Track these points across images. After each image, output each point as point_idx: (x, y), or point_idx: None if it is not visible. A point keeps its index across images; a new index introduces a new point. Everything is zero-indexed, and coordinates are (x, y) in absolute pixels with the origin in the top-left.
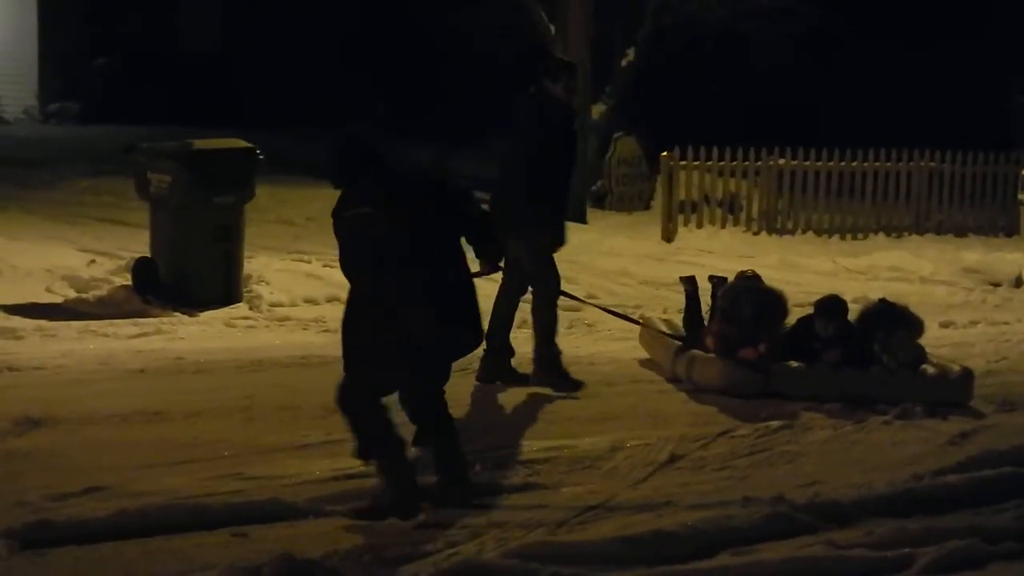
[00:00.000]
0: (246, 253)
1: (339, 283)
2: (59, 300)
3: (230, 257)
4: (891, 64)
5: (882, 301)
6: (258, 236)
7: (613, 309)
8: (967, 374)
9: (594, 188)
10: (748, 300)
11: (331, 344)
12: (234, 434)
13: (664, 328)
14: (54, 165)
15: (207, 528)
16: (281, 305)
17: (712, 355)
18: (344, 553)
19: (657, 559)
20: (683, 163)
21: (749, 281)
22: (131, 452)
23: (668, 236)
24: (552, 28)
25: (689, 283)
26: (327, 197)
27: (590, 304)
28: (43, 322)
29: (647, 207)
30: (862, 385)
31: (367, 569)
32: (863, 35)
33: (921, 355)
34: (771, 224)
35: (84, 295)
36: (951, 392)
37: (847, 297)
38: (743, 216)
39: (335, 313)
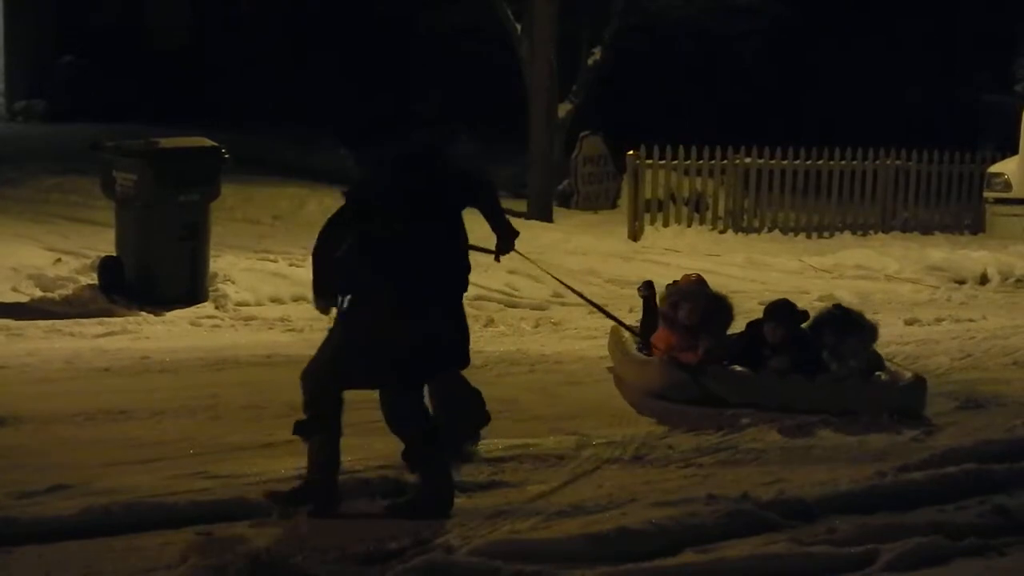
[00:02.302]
0: (212, 252)
1: (304, 282)
2: (25, 299)
3: (196, 256)
4: (857, 62)
5: (835, 306)
6: (224, 235)
7: (606, 309)
8: (919, 382)
9: (560, 187)
10: (687, 305)
11: (296, 343)
12: (199, 433)
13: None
14: (20, 163)
15: (172, 526)
16: (247, 304)
17: (650, 358)
18: (310, 551)
19: (621, 556)
20: (649, 162)
21: (693, 285)
22: (96, 450)
23: (635, 235)
24: (518, 27)
25: (647, 288)
26: (293, 196)
27: (585, 298)
28: (9, 321)
29: (614, 206)
30: (807, 393)
31: (333, 567)
32: (829, 33)
33: (876, 362)
34: (737, 223)
35: (50, 294)
36: (902, 400)
37: (812, 295)
38: (709, 215)
39: (300, 312)
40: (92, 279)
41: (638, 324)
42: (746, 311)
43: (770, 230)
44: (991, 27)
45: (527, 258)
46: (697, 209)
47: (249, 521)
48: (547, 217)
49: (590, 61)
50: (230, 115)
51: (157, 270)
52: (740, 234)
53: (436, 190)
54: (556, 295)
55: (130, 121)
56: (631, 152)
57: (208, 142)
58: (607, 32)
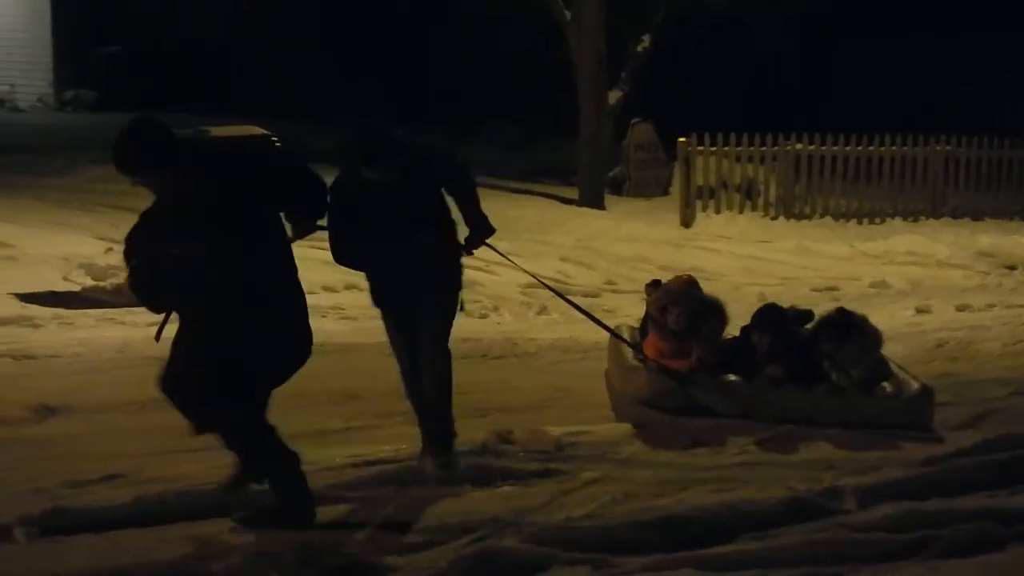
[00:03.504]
0: None
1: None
2: (76, 288)
3: None
4: (907, 49)
5: (837, 311)
6: None
7: (596, 317)
8: (925, 393)
9: (611, 174)
10: (676, 309)
11: (349, 331)
12: None
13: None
14: (69, 153)
15: (225, 515)
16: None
17: (638, 364)
18: (363, 539)
19: (675, 544)
20: (700, 149)
21: (682, 287)
22: (148, 440)
23: (686, 222)
24: (567, 14)
25: (655, 288)
26: None
27: (579, 308)
28: (60, 310)
29: (665, 193)
30: (803, 404)
31: (386, 554)
32: (879, 19)
33: (880, 371)
34: (788, 209)
35: (101, 283)
36: (906, 414)
37: (863, 281)
38: (760, 201)
39: (353, 300)
40: None
41: (637, 326)
42: (793, 297)
43: (821, 216)
44: None
45: (506, 256)
46: (748, 196)
47: None
48: (598, 204)
49: (639, 48)
50: (274, 105)
51: None
52: (791, 220)
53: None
54: (609, 283)
55: (178, 110)
56: (682, 139)
57: (259, 130)
58: (656, 18)
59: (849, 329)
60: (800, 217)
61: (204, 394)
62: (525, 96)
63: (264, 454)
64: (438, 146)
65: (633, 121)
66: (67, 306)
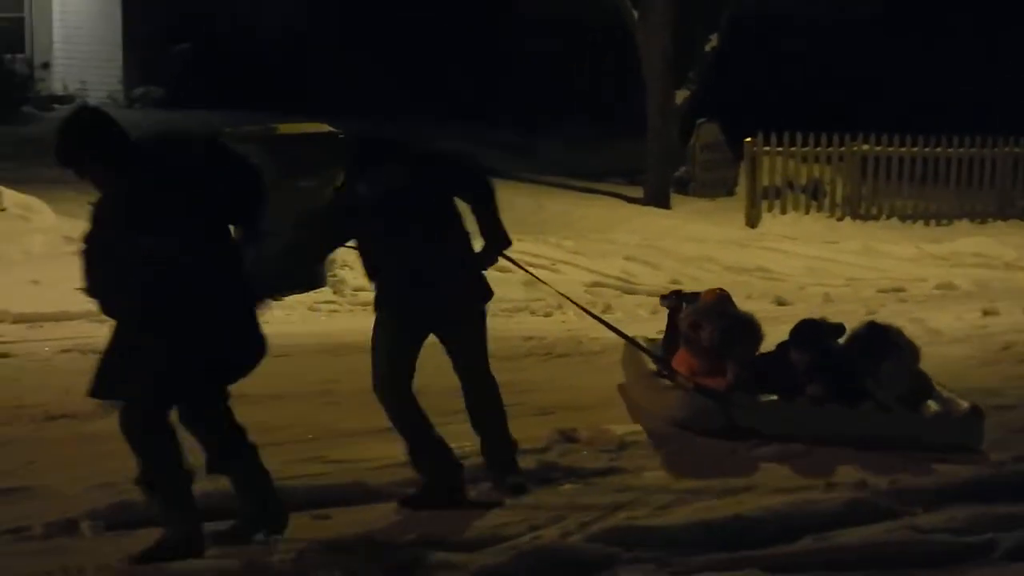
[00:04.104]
0: None
1: None
2: None
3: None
4: (973, 49)
5: (869, 325)
6: None
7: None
8: (975, 414)
9: (677, 174)
10: (709, 326)
11: None
12: (316, 418)
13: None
14: None
15: (290, 510)
16: (364, 289)
17: (670, 384)
18: (426, 536)
19: (738, 544)
20: (767, 149)
21: (715, 303)
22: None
23: (752, 222)
24: (635, 13)
25: (672, 299)
26: None
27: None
28: None
29: (731, 193)
30: (848, 424)
31: (448, 551)
32: (944, 19)
33: (923, 387)
34: (854, 210)
35: None
36: (957, 435)
37: (929, 282)
38: (826, 202)
39: None
40: None
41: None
42: (862, 298)
43: (888, 217)
44: None
45: (522, 267)
46: (814, 196)
47: (366, 506)
48: (664, 204)
49: (706, 47)
50: (344, 104)
51: (275, 254)
52: (857, 221)
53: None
54: (674, 282)
55: (246, 108)
56: (748, 139)
57: (326, 127)
58: (723, 18)
59: (885, 345)
60: (866, 218)
61: (145, 397)
62: (595, 95)
63: (159, 465)
64: (451, 152)
65: (699, 121)
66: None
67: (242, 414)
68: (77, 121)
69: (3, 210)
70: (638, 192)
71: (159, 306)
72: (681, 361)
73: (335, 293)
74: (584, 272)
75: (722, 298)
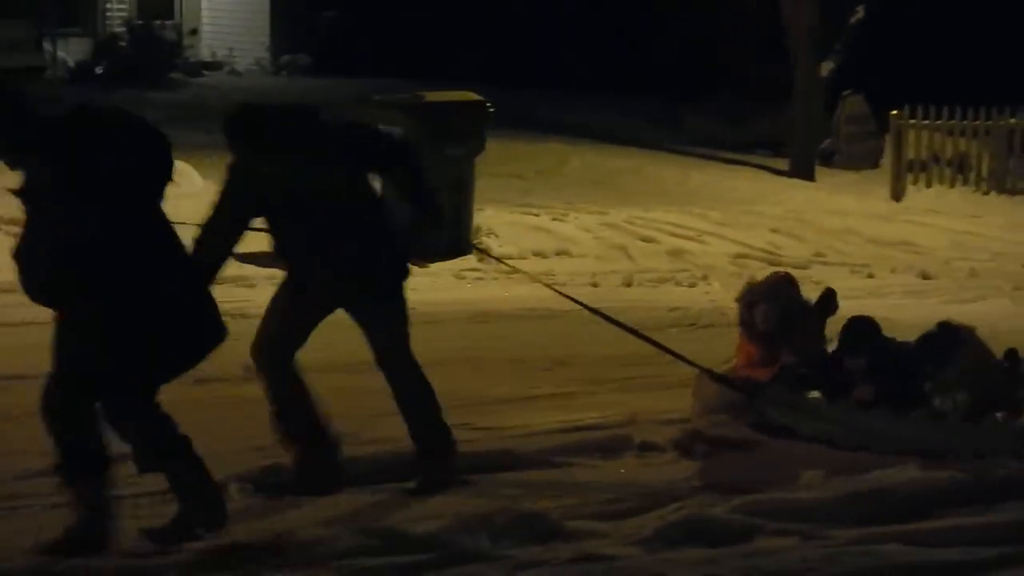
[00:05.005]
0: (475, 205)
1: (567, 236)
2: None
3: (460, 209)
4: None
5: (941, 325)
6: (487, 189)
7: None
8: None
9: (822, 146)
10: (764, 306)
11: (559, 298)
12: (463, 385)
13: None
14: None
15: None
16: (510, 258)
17: (710, 373)
18: (570, 505)
19: (886, 517)
20: (912, 122)
21: (772, 283)
22: (362, 400)
23: (896, 195)
24: None
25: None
26: (555, 152)
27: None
28: (275, 271)
29: (875, 166)
30: (892, 431)
31: (592, 520)
32: None
33: (991, 397)
34: (1000, 184)
35: None
36: (1018, 446)
37: None
38: (972, 176)
39: (563, 267)
40: None
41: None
42: (1007, 273)
43: None
44: None
45: (502, 261)
46: (960, 170)
47: (512, 473)
48: (809, 176)
49: (853, 19)
50: (492, 74)
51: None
52: (1004, 196)
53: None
54: (818, 254)
55: (390, 76)
56: (894, 112)
57: (474, 96)
58: None
59: (952, 346)
60: (1013, 192)
61: (98, 388)
62: (742, 68)
63: (163, 446)
64: (360, 124)
65: (844, 93)
66: (282, 267)
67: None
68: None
69: None
70: (783, 165)
71: (92, 286)
72: (740, 349)
73: (480, 261)
74: (729, 243)
75: (786, 279)
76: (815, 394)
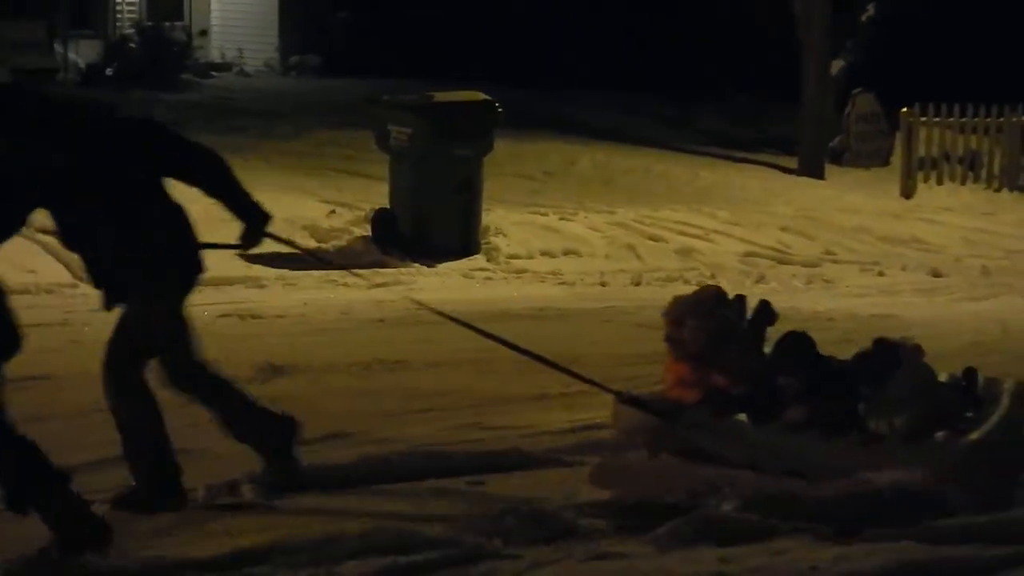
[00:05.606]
0: (484, 205)
1: (576, 236)
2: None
3: (468, 209)
4: None
5: (877, 342)
6: (496, 189)
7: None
8: (977, 450)
9: (832, 144)
10: (692, 322)
11: (568, 297)
12: (473, 384)
13: None
14: (294, 117)
15: (446, 476)
16: (518, 257)
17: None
18: (582, 504)
19: (895, 519)
20: (923, 119)
21: (701, 299)
22: (372, 400)
23: (907, 193)
24: None
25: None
26: (565, 152)
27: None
28: (285, 271)
29: (886, 163)
30: (820, 455)
31: (604, 519)
32: None
33: (935, 418)
34: (1013, 181)
35: (324, 245)
36: (954, 473)
37: None
38: (984, 173)
39: (572, 266)
40: (365, 231)
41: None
42: (1020, 270)
43: None
44: None
45: (290, 243)
46: (971, 167)
47: (522, 472)
48: (819, 174)
49: (864, 17)
50: (503, 74)
51: (430, 223)
52: (1015, 193)
53: None
54: (828, 253)
55: (401, 77)
56: (904, 110)
57: (482, 96)
58: None
59: (890, 365)
60: None
61: None
62: (752, 67)
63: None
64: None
65: (855, 91)
66: (291, 267)
67: (398, 380)
68: None
69: None
70: (793, 163)
71: None
72: (668, 369)
73: (489, 261)
74: (738, 242)
75: (715, 295)
76: (742, 416)
